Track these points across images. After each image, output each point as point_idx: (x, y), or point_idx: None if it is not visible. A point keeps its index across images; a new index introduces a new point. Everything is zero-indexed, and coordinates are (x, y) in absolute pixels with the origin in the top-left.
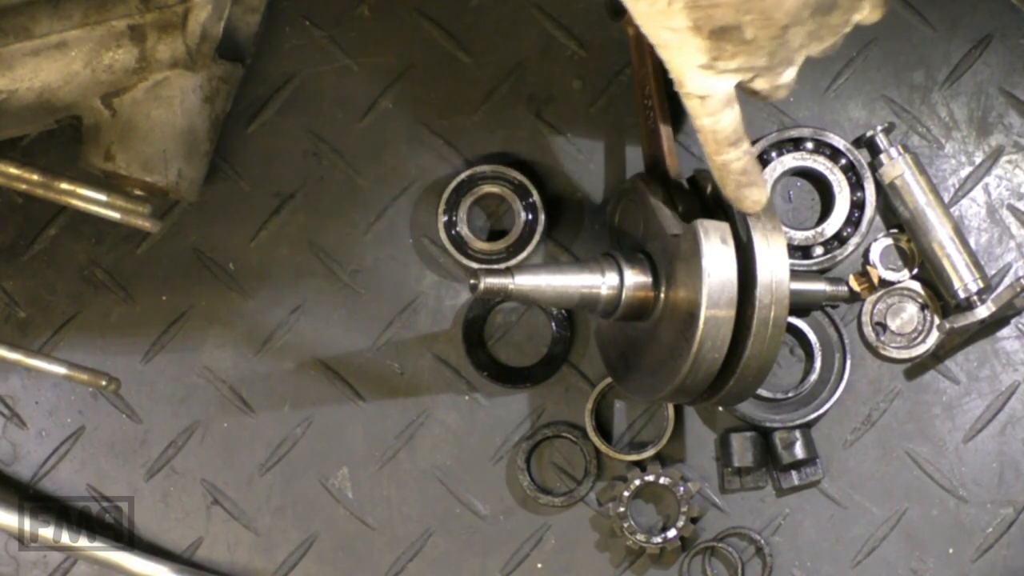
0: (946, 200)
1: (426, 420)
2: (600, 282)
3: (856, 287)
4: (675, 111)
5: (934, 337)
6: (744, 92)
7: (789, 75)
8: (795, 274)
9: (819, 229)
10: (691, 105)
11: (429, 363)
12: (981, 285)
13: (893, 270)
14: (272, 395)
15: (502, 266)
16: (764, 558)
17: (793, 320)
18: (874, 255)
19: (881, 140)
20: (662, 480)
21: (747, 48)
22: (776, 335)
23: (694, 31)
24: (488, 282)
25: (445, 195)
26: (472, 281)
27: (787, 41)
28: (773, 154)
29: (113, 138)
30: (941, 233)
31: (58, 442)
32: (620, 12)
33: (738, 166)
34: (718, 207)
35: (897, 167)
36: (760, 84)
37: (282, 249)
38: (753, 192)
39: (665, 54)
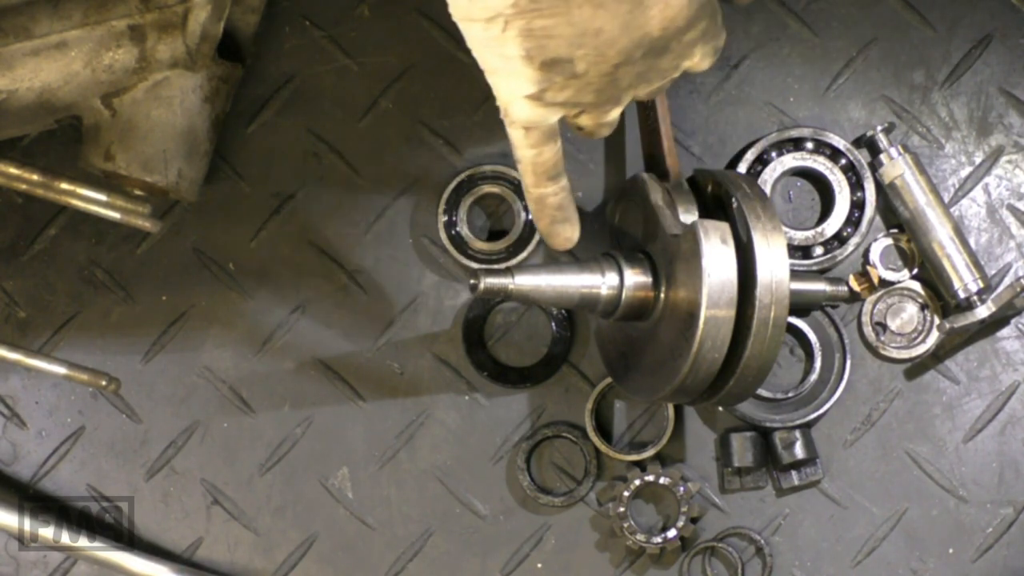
0: (946, 200)
1: (426, 420)
2: (600, 282)
3: (856, 287)
4: (675, 111)
5: (934, 337)
6: (568, 126)
7: (614, 114)
8: (795, 274)
9: (819, 229)
10: (514, 135)
11: (429, 363)
12: (981, 285)
13: (893, 270)
14: (272, 395)
15: (502, 266)
16: (764, 558)
17: (793, 320)
18: (874, 255)
19: (881, 140)
20: (662, 480)
21: (577, 82)
22: (776, 335)
23: (526, 60)
24: (488, 282)
25: (445, 195)
26: (472, 281)
27: (617, 79)
28: (773, 154)
29: (113, 138)
30: (941, 233)
31: (58, 442)
32: None
33: (554, 201)
34: (718, 207)
35: (897, 167)
36: (585, 120)
37: (282, 249)
38: (565, 229)
39: (493, 80)
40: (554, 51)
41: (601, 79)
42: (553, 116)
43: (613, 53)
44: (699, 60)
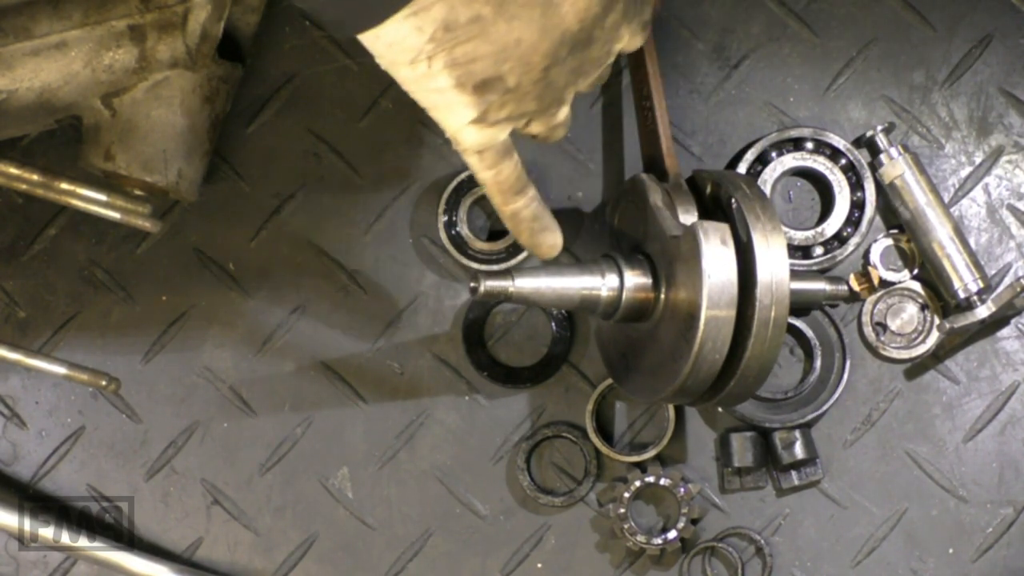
0: (946, 200)
1: (426, 420)
2: (600, 284)
3: (856, 287)
4: (674, 111)
5: (934, 337)
6: (523, 137)
7: (563, 114)
8: (795, 274)
9: (819, 229)
10: (470, 161)
11: (429, 363)
12: (981, 285)
13: (893, 270)
14: (272, 395)
15: (502, 266)
16: (764, 558)
17: (793, 320)
18: (874, 256)
19: (881, 140)
20: (663, 481)
21: (513, 96)
22: (777, 335)
23: (458, 89)
24: (488, 285)
25: (445, 195)
26: (472, 284)
27: (551, 81)
28: (773, 154)
29: (113, 138)
30: (941, 233)
31: (58, 442)
32: None
33: (527, 213)
34: (717, 208)
35: (897, 167)
36: (536, 128)
37: (282, 249)
38: (547, 237)
39: (437, 116)
40: (482, 72)
41: (535, 86)
42: (501, 133)
43: (539, 58)
44: (628, 39)
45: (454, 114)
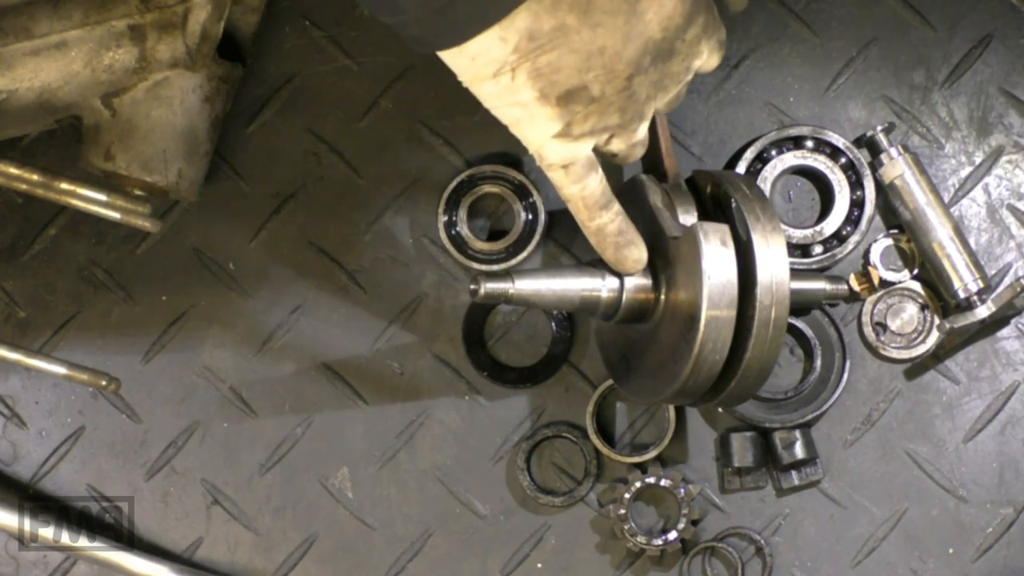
0: (946, 200)
1: (426, 420)
2: (600, 285)
3: (856, 287)
4: (673, 112)
5: (934, 337)
6: (603, 157)
7: (642, 131)
8: (795, 273)
9: (818, 228)
10: (555, 177)
11: (429, 363)
12: (981, 285)
13: (893, 271)
14: (272, 395)
15: (502, 267)
16: (764, 558)
17: (793, 320)
18: (874, 256)
19: (881, 140)
20: (663, 483)
21: (597, 107)
22: (777, 335)
23: (542, 100)
24: (488, 287)
25: (445, 195)
26: (472, 287)
27: (634, 93)
28: (773, 152)
29: (113, 138)
30: (941, 233)
31: (58, 442)
32: None
33: (613, 228)
34: (717, 208)
35: (897, 167)
36: (617, 145)
37: (282, 249)
38: (632, 252)
39: (520, 132)
40: (566, 83)
41: (619, 96)
42: (585, 147)
43: (623, 66)
44: (707, 57)
45: (538, 127)
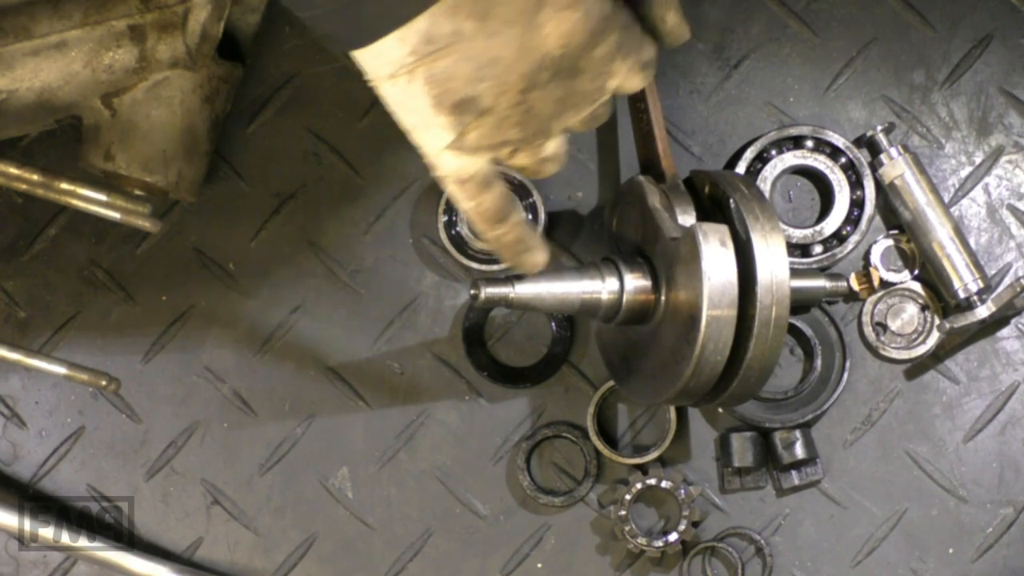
0: (946, 200)
1: (426, 420)
2: (600, 287)
3: (857, 288)
4: (674, 111)
5: (934, 337)
6: (510, 171)
7: (551, 147)
8: (794, 271)
9: (818, 227)
10: (450, 190)
11: (429, 363)
12: (981, 285)
13: (894, 271)
14: (272, 395)
15: (502, 267)
16: (764, 558)
17: (793, 320)
18: (875, 256)
19: (881, 140)
20: (664, 484)
21: (490, 119)
22: (778, 335)
23: (436, 108)
24: (488, 292)
25: (445, 195)
26: (472, 291)
27: (532, 108)
28: (773, 152)
29: (113, 138)
30: (941, 233)
31: (58, 442)
32: None
33: (510, 238)
34: (716, 208)
35: (897, 167)
36: (522, 159)
37: (282, 249)
38: (530, 257)
39: (416, 139)
40: (459, 91)
41: (513, 110)
42: (479, 161)
43: (514, 79)
44: (624, 77)
45: (431, 136)
